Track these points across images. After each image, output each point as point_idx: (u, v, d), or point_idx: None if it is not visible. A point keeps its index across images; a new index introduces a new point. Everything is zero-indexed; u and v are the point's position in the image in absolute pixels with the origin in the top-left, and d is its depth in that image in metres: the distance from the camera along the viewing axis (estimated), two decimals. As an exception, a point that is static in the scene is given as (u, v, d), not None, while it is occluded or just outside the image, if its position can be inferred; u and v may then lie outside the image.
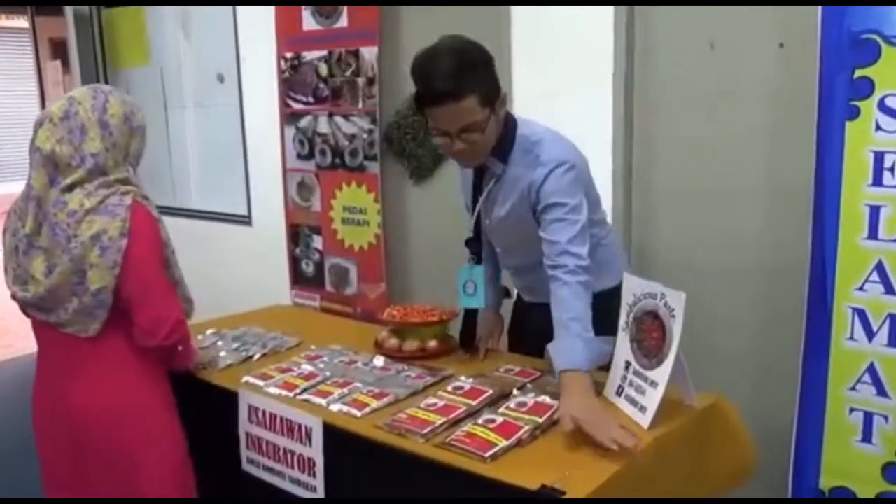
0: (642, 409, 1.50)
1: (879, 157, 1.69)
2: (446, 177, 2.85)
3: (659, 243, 2.39)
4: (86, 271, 1.58)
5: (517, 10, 2.50)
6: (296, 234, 3.36)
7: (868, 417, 1.76)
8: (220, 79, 3.66)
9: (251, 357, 1.98)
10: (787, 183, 2.07)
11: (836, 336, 1.78)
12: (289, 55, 3.19)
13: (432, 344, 1.93)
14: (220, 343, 2.09)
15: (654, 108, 2.33)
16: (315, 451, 1.58)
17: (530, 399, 1.59)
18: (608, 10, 2.31)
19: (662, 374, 1.47)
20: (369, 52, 2.91)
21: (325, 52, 3.06)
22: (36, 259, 1.62)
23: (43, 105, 4.81)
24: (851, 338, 1.76)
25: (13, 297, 1.70)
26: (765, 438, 1.71)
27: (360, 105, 3.00)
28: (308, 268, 3.34)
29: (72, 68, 4.16)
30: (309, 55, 3.12)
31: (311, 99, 3.16)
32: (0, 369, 4.25)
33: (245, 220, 3.71)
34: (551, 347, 1.57)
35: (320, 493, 1.60)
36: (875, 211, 1.71)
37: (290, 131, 3.26)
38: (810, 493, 1.85)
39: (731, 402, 1.63)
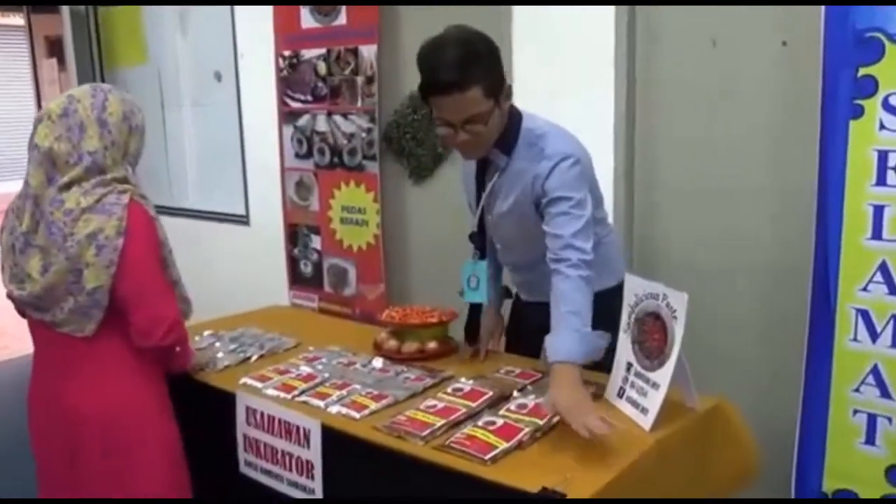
0: (644, 410, 1.50)
1: (883, 157, 1.69)
2: (446, 176, 2.84)
3: (661, 243, 2.38)
4: (82, 270, 1.57)
5: (518, 10, 2.48)
6: (294, 234, 3.35)
7: (872, 419, 1.75)
8: (218, 77, 3.65)
9: (249, 358, 1.97)
10: (790, 182, 2.07)
11: (840, 337, 1.77)
12: (287, 53, 3.18)
13: (432, 345, 1.92)
14: (217, 344, 2.08)
15: (656, 106, 2.32)
16: (313, 453, 1.57)
17: (531, 401, 1.58)
18: (609, 9, 2.30)
19: (664, 375, 1.46)
20: (368, 51, 2.91)
21: (323, 51, 3.05)
22: (33, 258, 1.61)
23: (39, 103, 4.79)
24: (855, 339, 1.76)
25: (9, 296, 1.69)
26: (768, 441, 1.70)
27: (359, 104, 2.99)
28: (306, 268, 3.33)
29: (68, 66, 4.16)
30: (307, 53, 3.11)
31: (309, 97, 3.15)
32: (-4, 370, 4.24)
33: (243, 219, 3.70)
34: (547, 339, 1.57)
35: (319, 496, 1.58)
36: (879, 211, 1.70)
37: (289, 130, 3.26)
38: (813, 495, 1.85)
39: (733, 404, 1.62)
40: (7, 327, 4.52)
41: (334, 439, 1.55)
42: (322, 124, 3.13)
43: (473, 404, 1.58)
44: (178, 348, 1.70)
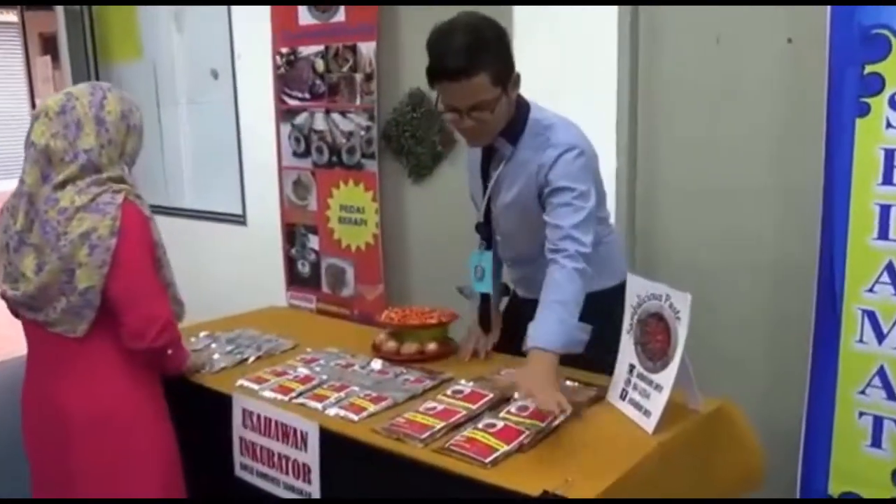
0: (647, 413, 1.49)
1: (890, 155, 1.68)
2: (446, 175, 2.83)
3: (663, 243, 2.37)
4: (74, 270, 1.57)
5: (518, 10, 2.47)
6: (291, 234, 3.34)
7: (878, 422, 1.75)
8: (214, 74, 3.64)
9: (245, 360, 1.97)
10: (795, 182, 2.06)
11: (846, 338, 1.76)
12: (284, 50, 3.16)
13: (431, 347, 1.91)
14: (213, 345, 2.07)
15: (659, 104, 2.31)
16: (311, 456, 1.56)
17: (532, 403, 1.55)
18: (611, 7, 2.29)
19: (667, 377, 1.45)
20: (367, 48, 2.89)
21: (321, 48, 3.04)
22: (27, 256, 1.61)
23: (33, 101, 4.77)
24: (861, 340, 1.75)
25: (3, 295, 1.69)
26: (772, 443, 1.69)
27: (358, 102, 2.97)
28: (304, 268, 3.31)
29: (62, 63, 4.14)
30: (305, 50, 3.09)
31: (307, 95, 3.13)
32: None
33: (239, 219, 3.69)
34: (530, 325, 1.57)
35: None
36: (885, 210, 1.69)
37: (286, 128, 3.24)
38: (819, 498, 1.84)
39: (737, 407, 1.62)
40: (0, 329, 4.50)
41: (332, 442, 1.54)
42: (320, 122, 3.11)
43: (473, 406, 1.58)
44: (169, 351, 1.69)
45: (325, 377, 1.79)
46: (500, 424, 1.48)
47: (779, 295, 2.15)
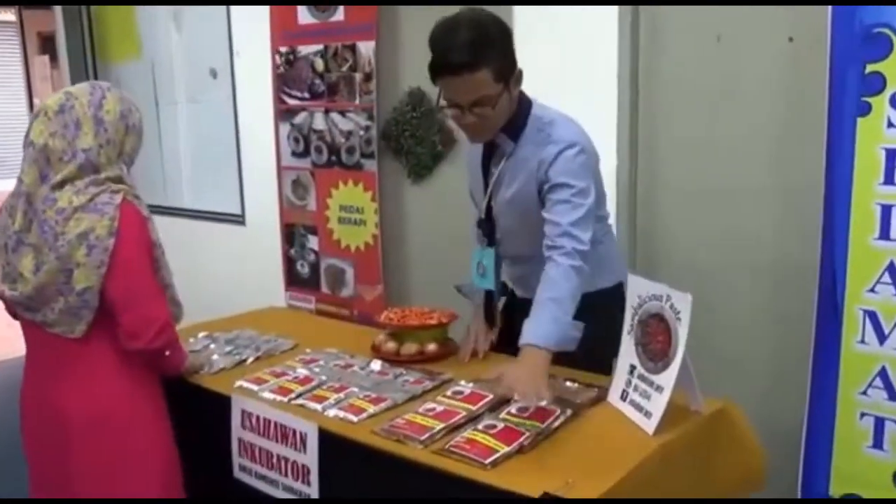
0: (648, 414, 1.48)
1: (891, 155, 1.67)
2: (446, 175, 2.83)
3: (663, 243, 2.37)
4: (72, 270, 1.57)
5: (519, 10, 2.46)
6: (290, 234, 3.33)
7: (879, 423, 1.74)
8: (213, 73, 3.63)
9: (244, 361, 1.96)
10: (796, 181, 2.05)
11: (847, 339, 1.76)
12: (283, 49, 3.16)
13: (431, 347, 1.91)
14: (212, 346, 2.06)
15: (659, 103, 2.31)
16: (310, 457, 1.56)
17: (532, 404, 1.54)
18: (612, 7, 2.29)
19: (668, 378, 1.45)
20: (366, 47, 2.88)
21: (321, 47, 3.03)
22: (25, 256, 1.61)
23: (31, 100, 4.76)
24: (862, 341, 1.74)
25: (1, 296, 1.69)
26: (773, 445, 1.69)
27: (357, 101, 2.97)
28: (303, 269, 3.31)
29: (60, 63, 4.14)
30: (304, 49, 3.08)
31: (306, 95, 3.13)
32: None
33: (238, 219, 3.68)
34: (525, 322, 1.57)
35: (315, 501, 1.58)
36: (887, 210, 1.69)
37: (285, 128, 3.23)
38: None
39: (738, 408, 1.61)
40: (-1, 329, 4.49)
41: (331, 443, 1.53)
42: (319, 122, 3.10)
43: (474, 407, 1.57)
44: (167, 352, 1.68)
45: (324, 378, 1.79)
46: (501, 426, 1.47)
47: (779, 295, 2.15)
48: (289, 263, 3.36)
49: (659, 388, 1.46)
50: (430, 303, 2.08)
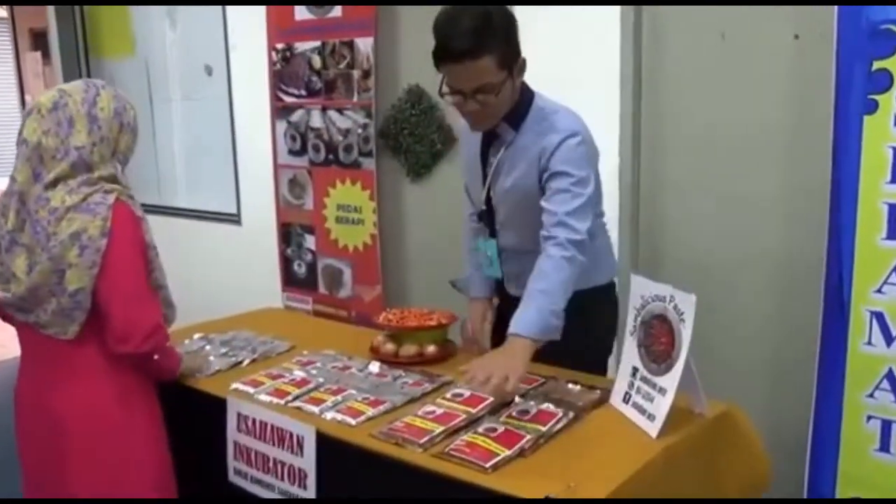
0: (650, 417, 1.47)
1: (899, 153, 1.67)
2: (445, 174, 2.82)
3: (667, 243, 2.36)
4: (64, 271, 1.56)
5: (519, 10, 2.43)
6: (287, 234, 3.32)
7: (886, 425, 1.73)
8: (208, 70, 3.61)
9: (240, 363, 1.95)
10: (802, 180, 2.05)
11: (853, 341, 1.75)
12: (280, 46, 3.14)
13: (430, 349, 1.90)
14: (208, 348, 2.05)
15: (662, 102, 2.30)
16: (307, 461, 1.55)
17: (533, 407, 1.56)
18: (614, 8, 2.29)
19: (672, 380, 1.44)
20: (364, 44, 2.87)
21: (318, 43, 3.01)
22: (18, 257, 1.61)
23: (22, 98, 4.73)
24: (869, 342, 1.74)
25: None
26: (779, 448, 1.69)
27: (355, 98, 2.95)
28: (300, 269, 3.29)
29: (52, 60, 4.12)
30: (301, 46, 3.07)
31: (303, 92, 3.11)
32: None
33: (234, 218, 3.67)
34: (514, 315, 1.59)
35: (312, 507, 1.57)
36: (894, 209, 1.68)
37: (282, 126, 3.21)
38: (826, 503, 1.84)
39: (743, 410, 1.61)
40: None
41: (329, 447, 1.52)
42: (316, 120, 3.09)
43: (474, 410, 1.56)
44: (156, 356, 1.67)
45: (321, 380, 1.78)
46: (501, 429, 1.47)
47: (785, 295, 2.15)
48: (285, 263, 3.34)
49: (662, 391, 1.45)
50: (430, 303, 2.08)
